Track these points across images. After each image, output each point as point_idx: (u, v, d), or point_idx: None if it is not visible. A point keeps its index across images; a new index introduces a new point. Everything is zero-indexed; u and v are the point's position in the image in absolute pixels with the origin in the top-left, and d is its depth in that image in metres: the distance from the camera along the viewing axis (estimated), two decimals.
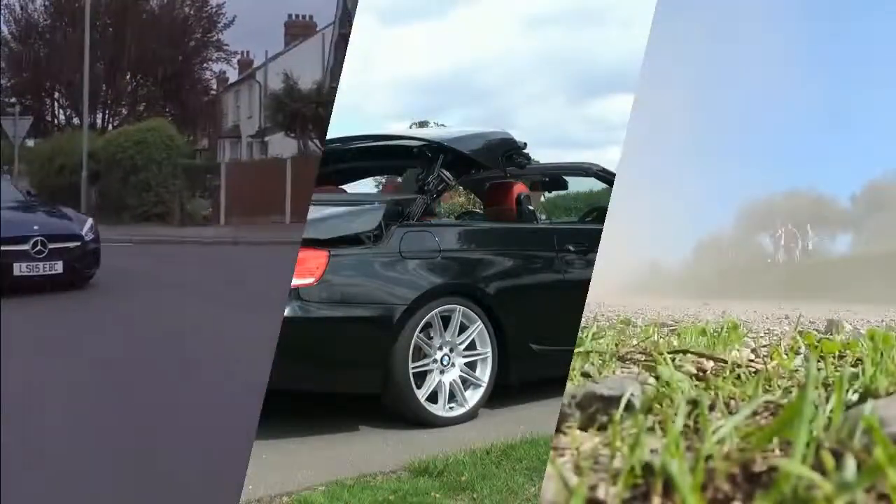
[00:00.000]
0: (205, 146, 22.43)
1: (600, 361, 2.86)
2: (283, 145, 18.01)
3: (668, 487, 1.23)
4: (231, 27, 20.25)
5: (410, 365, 4.34)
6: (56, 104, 21.87)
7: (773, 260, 23.24)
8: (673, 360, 2.62)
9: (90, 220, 9.49)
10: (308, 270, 4.23)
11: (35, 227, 8.68)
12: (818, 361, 2.72)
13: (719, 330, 3.96)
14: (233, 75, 22.37)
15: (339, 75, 16.22)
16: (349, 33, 15.93)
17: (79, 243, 8.87)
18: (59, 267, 8.56)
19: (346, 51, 16.03)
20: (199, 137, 22.17)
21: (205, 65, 21.18)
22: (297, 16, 21.56)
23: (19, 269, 8.38)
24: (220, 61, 21.29)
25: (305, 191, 13.57)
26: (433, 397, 4.42)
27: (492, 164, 5.29)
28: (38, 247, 8.47)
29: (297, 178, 15.71)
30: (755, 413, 1.84)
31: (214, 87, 22.25)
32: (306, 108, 15.51)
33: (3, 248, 8.37)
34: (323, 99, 15.56)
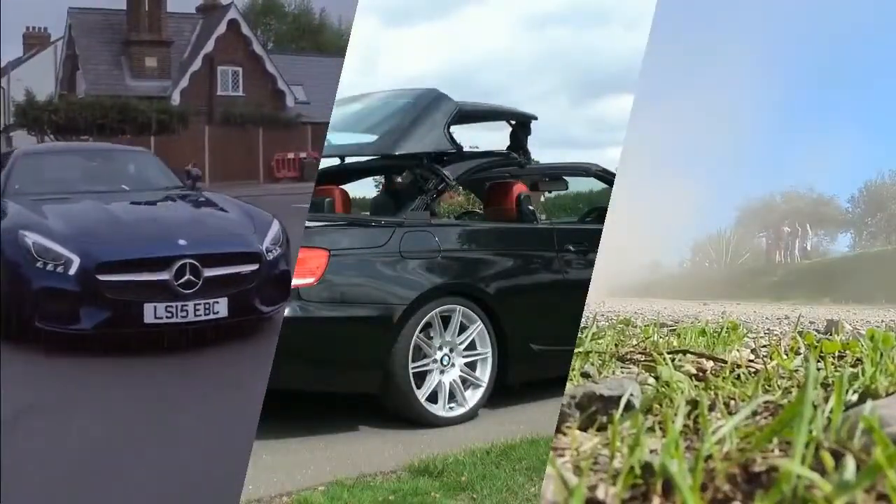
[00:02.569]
0: None
1: (600, 361, 2.87)
2: (25, 139, 21.22)
3: (668, 487, 1.23)
4: None
5: (410, 365, 4.35)
6: None
7: (772, 260, 23.27)
8: (673, 360, 2.62)
9: (276, 223, 5.75)
10: (308, 270, 4.23)
11: (181, 242, 5.29)
12: (818, 361, 2.72)
13: (719, 330, 3.96)
14: None
15: (69, 85, 19.94)
16: (74, 54, 19.25)
17: (256, 266, 5.37)
18: (220, 307, 5.20)
19: (73, 68, 19.63)
20: None
21: None
22: (33, 28, 24.44)
23: (153, 312, 5.04)
24: None
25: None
26: (433, 397, 4.42)
27: (434, 140, 4.89)
28: (187, 275, 5.13)
29: None
30: (755, 413, 1.85)
31: None
32: (42, 114, 18.81)
33: (123, 277, 5.12)
34: (54, 107, 18.87)
